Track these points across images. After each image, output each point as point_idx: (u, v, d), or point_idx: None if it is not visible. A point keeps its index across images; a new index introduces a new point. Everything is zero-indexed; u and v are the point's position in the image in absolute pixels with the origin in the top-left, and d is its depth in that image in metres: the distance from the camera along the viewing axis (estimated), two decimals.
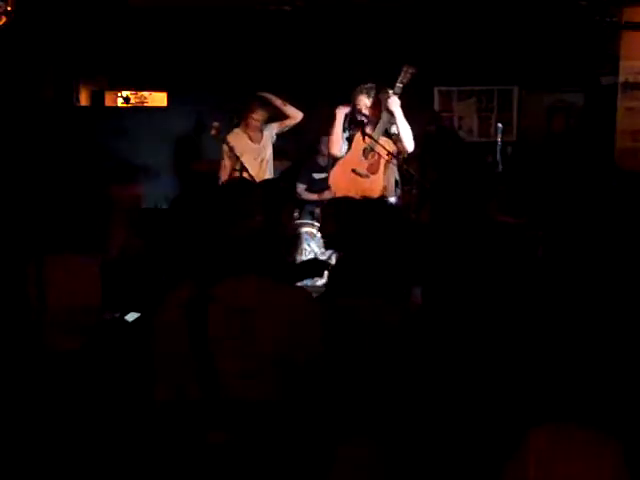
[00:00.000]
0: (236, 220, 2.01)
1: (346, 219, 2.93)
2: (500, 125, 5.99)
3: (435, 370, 2.08)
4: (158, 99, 7.24)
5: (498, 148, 5.76)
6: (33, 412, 2.68)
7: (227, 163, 5.58)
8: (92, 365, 2.80)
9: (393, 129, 4.75)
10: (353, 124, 4.86)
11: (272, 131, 5.80)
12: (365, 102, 4.75)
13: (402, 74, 4.64)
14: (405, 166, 4.69)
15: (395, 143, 4.72)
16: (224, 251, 2.00)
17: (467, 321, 2.23)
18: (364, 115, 4.76)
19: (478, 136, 7.11)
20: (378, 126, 4.72)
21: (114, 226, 3.40)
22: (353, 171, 4.77)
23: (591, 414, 1.80)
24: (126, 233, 3.50)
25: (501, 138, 5.89)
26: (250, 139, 5.70)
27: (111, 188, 3.69)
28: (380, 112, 4.74)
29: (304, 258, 5.08)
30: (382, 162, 4.73)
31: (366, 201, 3.48)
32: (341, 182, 4.81)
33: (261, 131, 5.73)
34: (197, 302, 1.91)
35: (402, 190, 4.93)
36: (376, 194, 4.57)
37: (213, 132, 5.44)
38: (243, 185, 2.37)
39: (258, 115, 5.66)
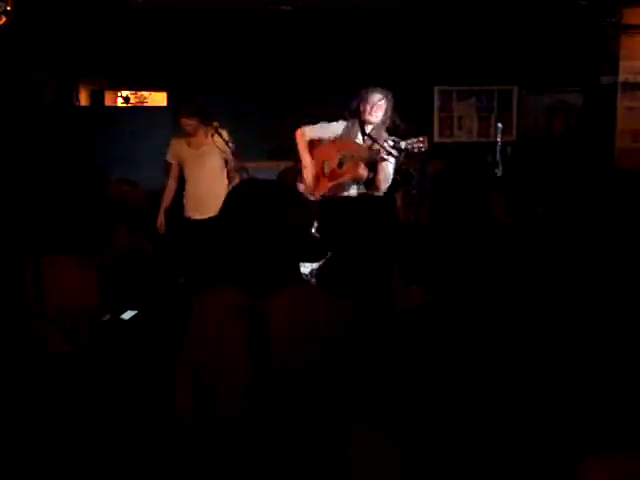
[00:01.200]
0: (286, 228, 2.01)
1: (332, 219, 2.94)
2: (500, 125, 5.97)
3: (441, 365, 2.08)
4: (158, 99, 7.25)
5: (498, 148, 5.75)
6: (32, 414, 2.68)
7: (172, 171, 5.46)
8: (91, 367, 2.81)
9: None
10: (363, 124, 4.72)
11: (221, 144, 5.26)
12: (378, 97, 4.63)
13: (414, 141, 4.42)
14: (404, 166, 4.65)
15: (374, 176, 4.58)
16: (269, 259, 2.00)
17: (471, 318, 2.22)
18: (375, 116, 4.64)
19: (478, 136, 7.12)
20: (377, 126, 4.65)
21: (114, 226, 3.40)
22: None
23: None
24: (128, 234, 3.50)
25: (501, 138, 5.89)
26: (188, 144, 5.40)
27: (111, 188, 3.70)
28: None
29: None
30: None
31: (355, 199, 3.48)
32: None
33: (205, 136, 5.29)
34: (257, 312, 1.93)
35: (402, 190, 4.92)
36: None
37: (212, 132, 5.43)
38: (292, 193, 2.31)
39: (187, 123, 5.29)
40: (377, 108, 4.60)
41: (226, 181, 5.45)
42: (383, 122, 4.62)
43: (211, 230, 4.81)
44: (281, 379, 1.91)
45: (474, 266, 2.48)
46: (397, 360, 2.01)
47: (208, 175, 5.39)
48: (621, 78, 6.49)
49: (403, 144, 4.41)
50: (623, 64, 6.48)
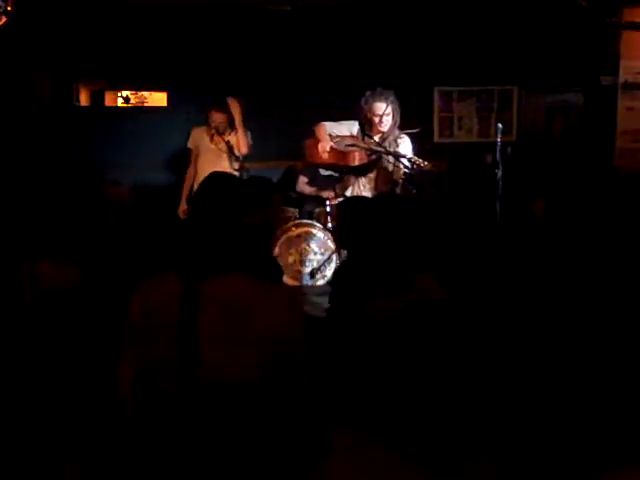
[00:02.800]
0: (231, 216, 2.10)
1: (354, 218, 2.95)
2: (500, 125, 5.96)
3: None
4: (158, 99, 7.24)
5: (498, 148, 5.74)
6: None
7: (193, 158, 5.62)
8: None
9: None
10: (368, 132, 4.87)
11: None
12: (382, 108, 4.75)
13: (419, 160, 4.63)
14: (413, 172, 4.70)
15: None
16: (212, 247, 2.07)
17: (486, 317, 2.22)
18: (384, 126, 4.78)
19: (478, 136, 7.11)
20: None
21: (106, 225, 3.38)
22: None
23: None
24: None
25: (501, 138, 5.88)
26: (210, 138, 5.52)
27: (104, 188, 3.69)
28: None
29: (304, 259, 5.08)
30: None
31: (376, 199, 3.50)
32: None
33: (222, 134, 5.46)
34: (190, 297, 1.98)
35: (406, 190, 4.93)
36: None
37: (213, 132, 5.45)
38: (236, 182, 2.44)
39: (215, 117, 5.44)
40: (385, 117, 4.74)
41: None
42: (393, 126, 4.82)
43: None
44: (211, 364, 1.95)
45: (476, 265, 2.48)
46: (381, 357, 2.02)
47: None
48: (621, 78, 6.49)
49: (408, 156, 4.63)
50: (623, 64, 6.47)
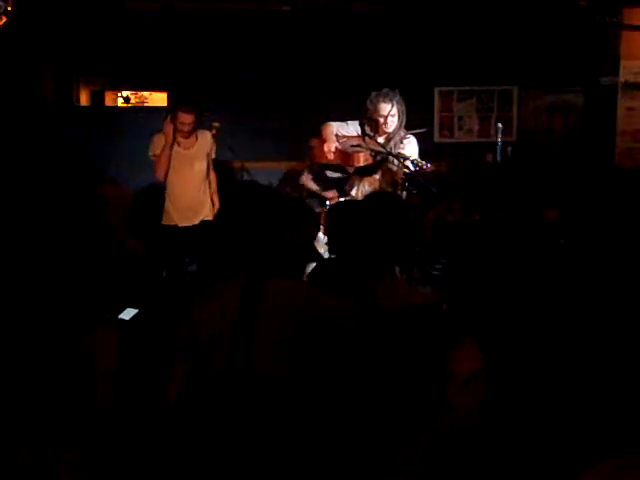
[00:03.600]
0: (285, 230, 2.21)
1: (339, 223, 2.96)
2: (500, 125, 5.98)
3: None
4: (158, 99, 7.25)
5: (498, 148, 5.76)
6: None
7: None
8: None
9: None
10: (373, 132, 4.88)
11: (208, 146, 5.26)
12: (387, 109, 4.76)
13: (421, 162, 4.63)
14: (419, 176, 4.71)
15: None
16: (272, 255, 2.18)
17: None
18: (389, 127, 4.79)
19: (478, 136, 7.11)
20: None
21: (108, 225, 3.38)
22: None
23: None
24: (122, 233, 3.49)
25: (501, 138, 5.89)
26: (178, 144, 5.16)
27: (105, 187, 3.67)
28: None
29: None
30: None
31: (363, 201, 3.49)
32: None
33: (196, 138, 5.20)
34: (250, 294, 2.08)
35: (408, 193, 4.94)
36: None
37: (213, 132, 5.43)
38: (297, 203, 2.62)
39: (184, 119, 5.07)
40: (390, 118, 4.75)
41: (208, 185, 5.29)
42: (398, 127, 4.81)
43: (215, 230, 4.77)
44: (263, 365, 2.00)
45: (483, 269, 2.48)
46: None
47: (196, 178, 5.22)
48: (621, 78, 6.48)
49: (411, 158, 4.62)
50: (623, 64, 6.47)
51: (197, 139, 5.23)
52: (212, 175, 5.33)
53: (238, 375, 2.01)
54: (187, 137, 5.17)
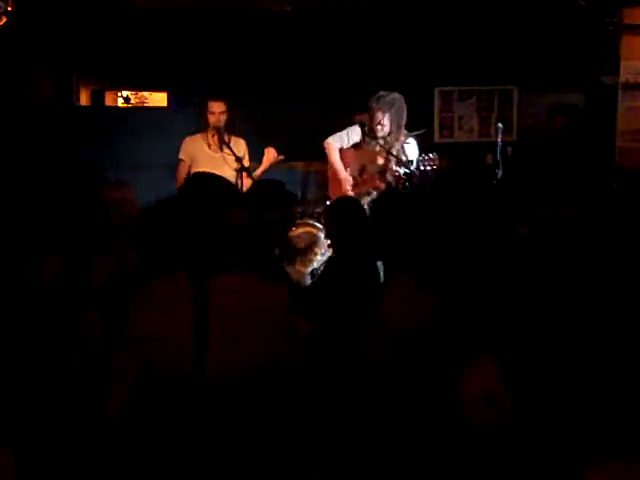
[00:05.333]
0: (217, 213, 2.21)
1: (340, 220, 2.96)
2: (500, 125, 5.97)
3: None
4: (158, 99, 7.25)
5: (498, 148, 5.75)
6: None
7: (181, 169, 5.07)
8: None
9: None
10: (370, 136, 4.89)
11: (240, 151, 4.99)
12: (379, 117, 4.78)
13: (426, 158, 4.72)
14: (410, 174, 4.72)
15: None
16: (215, 245, 2.15)
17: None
18: (382, 131, 4.81)
19: (478, 136, 7.11)
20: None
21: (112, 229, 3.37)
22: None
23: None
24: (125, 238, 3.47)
25: (501, 138, 5.89)
26: (208, 145, 5.01)
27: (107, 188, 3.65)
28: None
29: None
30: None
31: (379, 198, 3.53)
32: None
33: (224, 140, 4.94)
34: (202, 296, 2.03)
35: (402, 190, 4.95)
36: None
37: (213, 133, 5.41)
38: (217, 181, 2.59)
39: (214, 108, 4.90)
40: (381, 123, 4.77)
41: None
42: (391, 132, 4.82)
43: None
44: (221, 362, 1.98)
45: (477, 271, 2.47)
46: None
47: None
48: (622, 78, 6.49)
49: (415, 161, 4.70)
50: (624, 64, 6.47)
51: (230, 142, 4.99)
52: (243, 182, 4.83)
53: (198, 378, 1.98)
54: (219, 134, 4.94)
